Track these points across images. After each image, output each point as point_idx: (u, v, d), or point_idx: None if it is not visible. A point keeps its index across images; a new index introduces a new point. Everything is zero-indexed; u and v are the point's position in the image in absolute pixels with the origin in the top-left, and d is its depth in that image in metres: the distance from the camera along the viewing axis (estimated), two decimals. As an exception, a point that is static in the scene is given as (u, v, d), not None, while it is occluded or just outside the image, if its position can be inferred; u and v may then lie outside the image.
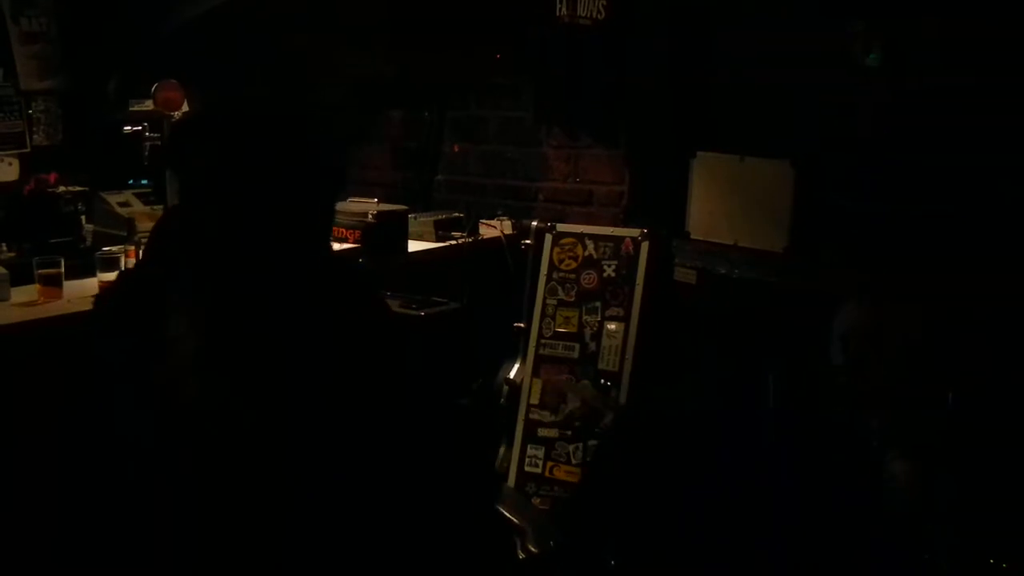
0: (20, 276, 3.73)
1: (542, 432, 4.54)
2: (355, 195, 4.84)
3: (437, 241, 4.89)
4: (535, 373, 4.64)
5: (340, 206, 4.60)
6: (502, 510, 3.81)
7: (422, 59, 5.41)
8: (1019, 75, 3.79)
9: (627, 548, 3.68)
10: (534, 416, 4.57)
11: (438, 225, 4.94)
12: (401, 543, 2.37)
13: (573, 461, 4.49)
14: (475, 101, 5.46)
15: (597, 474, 4.24)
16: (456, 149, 5.54)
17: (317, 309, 2.39)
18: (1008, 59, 3.80)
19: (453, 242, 4.90)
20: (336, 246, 4.42)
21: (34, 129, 4.82)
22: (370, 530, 2.32)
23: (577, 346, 4.61)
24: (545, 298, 4.68)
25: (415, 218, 4.88)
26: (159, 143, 4.53)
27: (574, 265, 4.66)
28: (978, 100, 3.84)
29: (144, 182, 4.58)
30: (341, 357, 2.33)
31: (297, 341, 2.31)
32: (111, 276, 3.71)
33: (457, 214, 5.13)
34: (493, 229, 5.03)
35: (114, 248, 3.92)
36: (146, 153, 4.56)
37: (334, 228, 4.42)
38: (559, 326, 4.65)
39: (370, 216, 4.49)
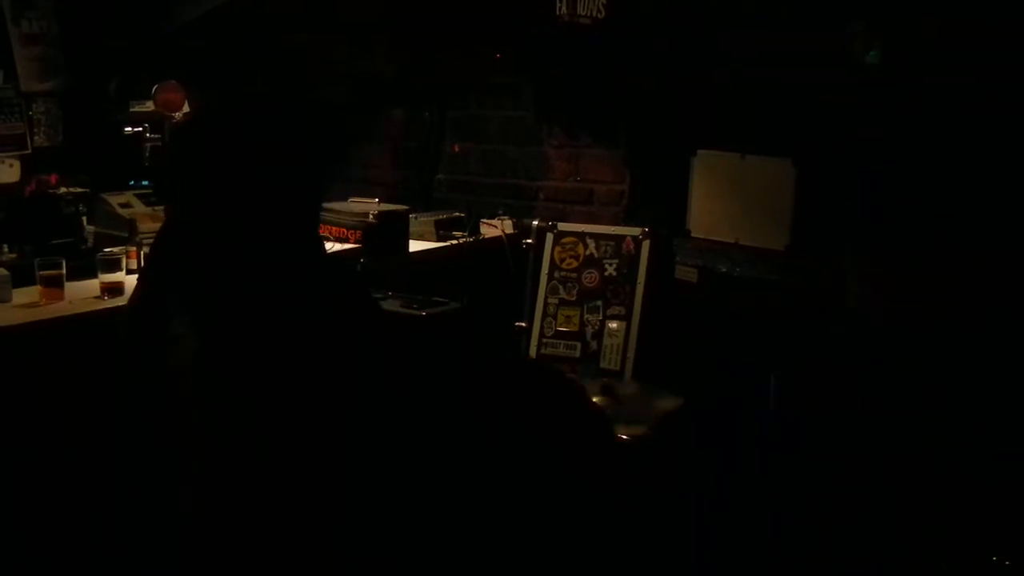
0: (21, 277, 3.73)
1: (544, 431, 4.54)
2: (356, 195, 4.84)
3: (438, 241, 4.89)
4: (536, 372, 4.64)
5: (341, 206, 4.62)
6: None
7: (422, 59, 5.41)
8: (1019, 75, 3.79)
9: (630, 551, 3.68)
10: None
11: (439, 225, 4.94)
12: (406, 540, 2.37)
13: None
14: (476, 100, 5.46)
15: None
16: (456, 149, 5.54)
17: (311, 309, 2.40)
18: (1008, 58, 3.80)
19: (454, 242, 4.90)
20: (337, 246, 4.43)
21: (35, 130, 4.81)
22: (372, 526, 2.33)
23: (578, 345, 4.61)
24: (546, 297, 4.68)
25: (416, 218, 4.88)
26: (160, 144, 4.53)
27: (575, 264, 4.66)
28: (978, 99, 3.84)
29: (145, 183, 4.58)
30: (331, 356, 2.34)
31: (294, 341, 2.32)
32: (112, 277, 3.72)
33: (458, 214, 5.13)
34: (494, 228, 5.03)
35: (115, 249, 3.92)
36: (147, 154, 4.56)
37: (335, 228, 4.47)
38: (560, 325, 4.65)
39: (371, 216, 4.49)
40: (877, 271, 4.02)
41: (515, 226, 5.01)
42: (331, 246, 4.41)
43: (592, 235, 4.67)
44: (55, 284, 3.67)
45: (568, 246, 4.68)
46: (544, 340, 4.65)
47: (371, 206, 4.59)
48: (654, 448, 3.74)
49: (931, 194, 3.97)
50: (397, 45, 5.44)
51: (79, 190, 4.37)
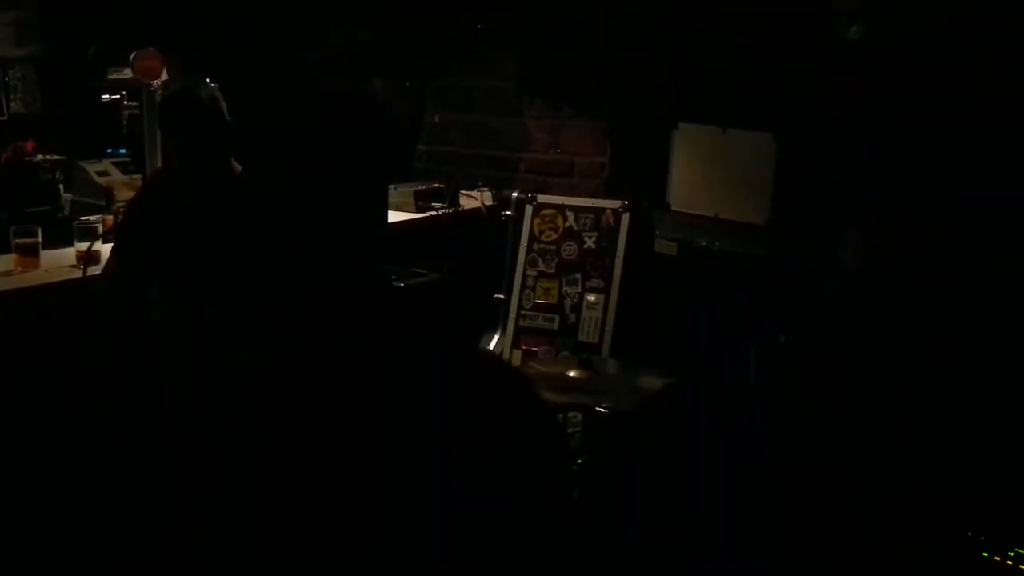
0: (-4, 245, 3.72)
1: (522, 403, 4.54)
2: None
3: (417, 212, 4.87)
4: (515, 344, 4.64)
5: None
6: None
7: (404, 30, 5.38)
8: (1002, 46, 3.78)
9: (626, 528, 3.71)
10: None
11: (418, 196, 4.92)
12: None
13: (553, 432, 4.49)
14: (458, 71, 5.43)
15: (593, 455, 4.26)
16: (437, 119, 5.51)
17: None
18: (990, 31, 3.80)
19: (433, 213, 4.88)
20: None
21: (11, 97, 4.77)
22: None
23: (557, 318, 4.61)
24: (525, 269, 4.68)
25: (395, 188, 4.86)
26: (138, 112, 4.49)
27: (555, 236, 4.66)
28: (961, 72, 3.83)
29: (123, 151, 4.54)
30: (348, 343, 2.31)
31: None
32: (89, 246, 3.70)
33: (437, 184, 5.11)
34: (473, 200, 5.02)
35: (92, 217, 3.89)
36: (125, 122, 4.53)
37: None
38: (539, 297, 4.65)
39: (350, 186, 4.46)
40: (863, 244, 4.02)
41: (495, 197, 5.01)
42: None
43: (572, 207, 4.66)
44: (31, 252, 3.65)
45: (547, 218, 4.68)
46: (522, 312, 4.65)
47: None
48: (634, 423, 3.75)
49: (913, 169, 3.98)
50: (379, 15, 5.41)
51: (56, 157, 4.34)
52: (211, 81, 3.81)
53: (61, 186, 4.29)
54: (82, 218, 3.89)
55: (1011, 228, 3.74)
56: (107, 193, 4.14)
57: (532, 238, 4.68)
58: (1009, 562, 3.32)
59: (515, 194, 4.81)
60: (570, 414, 4.43)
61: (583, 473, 3.72)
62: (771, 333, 4.05)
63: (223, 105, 3.14)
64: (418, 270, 4.08)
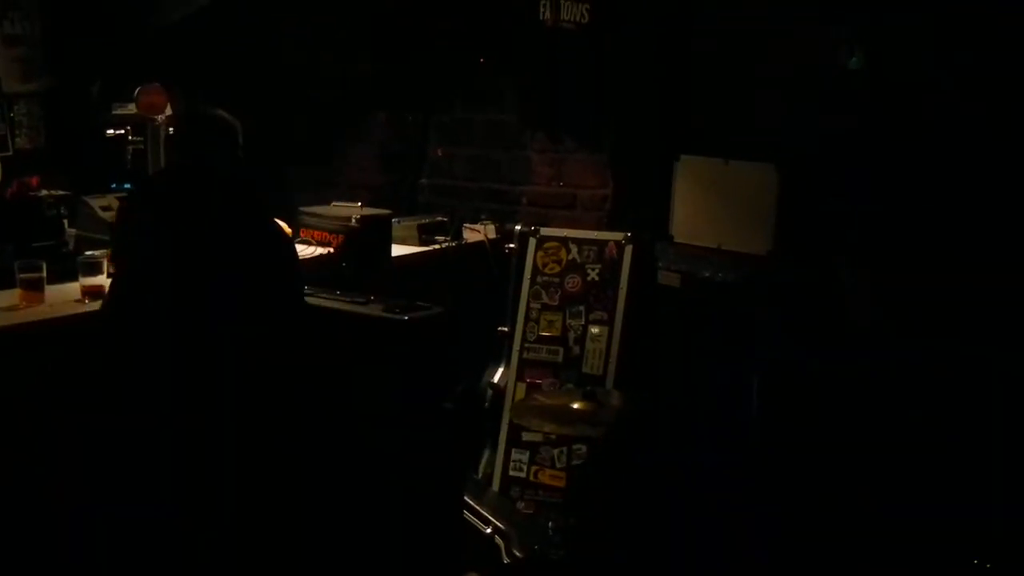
0: (1, 280, 3.72)
1: (526, 436, 4.53)
2: (340, 198, 4.82)
3: (421, 245, 4.88)
4: (519, 377, 4.63)
5: (324, 210, 4.64)
6: (485, 512, 3.82)
7: (406, 62, 5.41)
8: (999, 76, 3.80)
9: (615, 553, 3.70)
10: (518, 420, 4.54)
11: (422, 229, 4.92)
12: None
13: (558, 465, 4.48)
14: (460, 104, 5.45)
15: (587, 478, 4.25)
16: (440, 153, 5.53)
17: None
18: (988, 60, 3.82)
19: (437, 246, 4.89)
20: (320, 251, 4.44)
21: (16, 132, 4.80)
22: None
23: (561, 350, 4.60)
24: (529, 302, 4.68)
25: (399, 222, 4.87)
26: (142, 147, 4.52)
27: (558, 269, 4.66)
28: (960, 102, 3.85)
29: (127, 186, 4.56)
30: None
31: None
32: (94, 280, 3.71)
33: (441, 218, 5.12)
34: (477, 233, 5.03)
35: (96, 252, 3.90)
36: (129, 157, 4.55)
37: (317, 232, 4.49)
38: (543, 330, 4.64)
39: (353, 221, 4.47)
40: (864, 275, 4.02)
41: (498, 231, 5.01)
42: (313, 250, 4.42)
43: (575, 240, 4.67)
44: (35, 287, 3.65)
45: (551, 251, 4.68)
46: (526, 345, 4.64)
47: (353, 210, 4.58)
48: (634, 452, 3.75)
49: (915, 197, 3.99)
50: (381, 48, 5.44)
51: (60, 192, 4.35)
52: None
53: (65, 221, 4.30)
54: (86, 253, 3.89)
55: (1016, 252, 3.76)
56: (111, 228, 4.15)
57: (535, 271, 4.68)
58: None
59: (518, 227, 4.81)
60: (574, 446, 4.43)
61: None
62: (773, 364, 4.06)
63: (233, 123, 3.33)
64: (422, 303, 4.07)
